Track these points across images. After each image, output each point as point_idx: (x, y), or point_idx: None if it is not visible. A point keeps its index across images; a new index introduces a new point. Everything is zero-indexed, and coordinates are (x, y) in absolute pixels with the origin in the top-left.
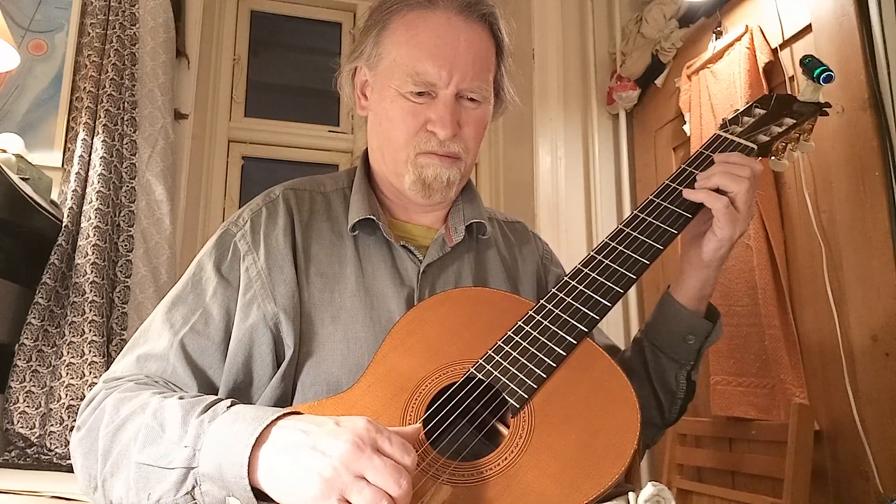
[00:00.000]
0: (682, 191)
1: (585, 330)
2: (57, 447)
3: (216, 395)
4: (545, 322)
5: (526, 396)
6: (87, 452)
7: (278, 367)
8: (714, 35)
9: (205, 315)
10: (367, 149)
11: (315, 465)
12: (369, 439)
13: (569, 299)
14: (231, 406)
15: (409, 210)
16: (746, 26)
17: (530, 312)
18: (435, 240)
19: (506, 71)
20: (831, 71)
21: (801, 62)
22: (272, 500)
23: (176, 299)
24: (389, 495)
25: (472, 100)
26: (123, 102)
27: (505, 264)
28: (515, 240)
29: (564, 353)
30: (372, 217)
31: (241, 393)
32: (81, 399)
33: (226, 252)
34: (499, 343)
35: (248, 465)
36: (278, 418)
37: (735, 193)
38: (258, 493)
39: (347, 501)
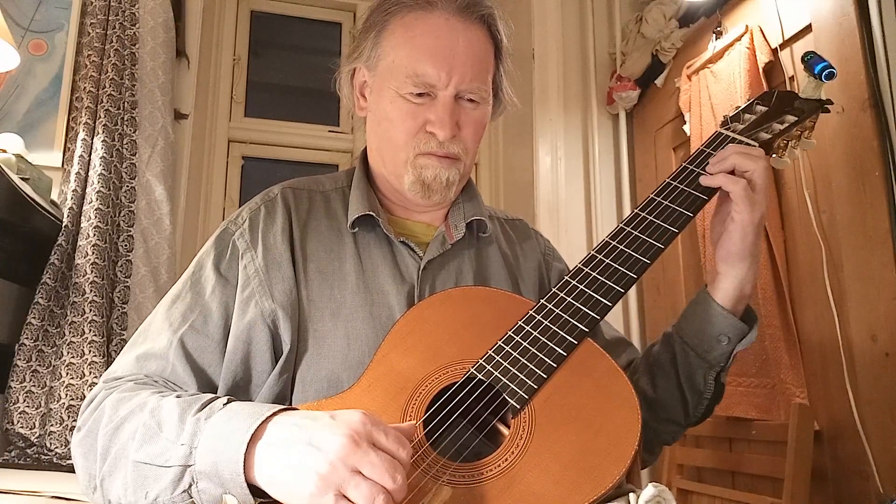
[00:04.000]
0: (682, 189)
1: (586, 330)
2: (57, 447)
3: (215, 393)
4: (546, 322)
5: (526, 397)
6: (87, 453)
7: (277, 364)
8: (714, 35)
9: (203, 313)
10: (365, 149)
11: (311, 461)
12: (365, 433)
13: (569, 298)
14: (227, 403)
15: (408, 209)
16: (746, 26)
17: (531, 312)
18: (435, 237)
19: (504, 71)
20: (833, 67)
21: (803, 59)
22: (269, 497)
23: (175, 298)
24: (386, 489)
25: (470, 101)
26: (123, 102)
27: (506, 261)
28: (516, 237)
29: (565, 354)
30: (371, 213)
31: (241, 390)
32: (81, 399)
33: (224, 250)
34: (499, 343)
35: (245, 462)
36: (274, 414)
37: (752, 171)
38: (255, 490)
39: (344, 496)
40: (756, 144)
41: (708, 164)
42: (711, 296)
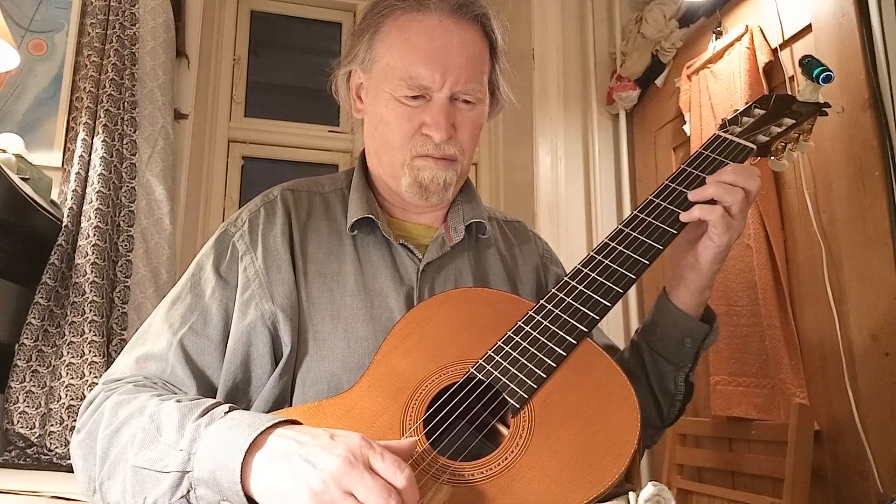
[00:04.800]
0: (681, 192)
1: (585, 330)
2: (57, 447)
3: (215, 395)
4: (545, 322)
5: (526, 396)
6: (87, 455)
7: (277, 366)
8: (714, 35)
9: (203, 315)
10: (364, 150)
11: (306, 477)
12: (361, 456)
13: (569, 299)
14: (229, 412)
15: (407, 210)
16: (746, 26)
17: (530, 313)
18: (434, 239)
19: (500, 70)
20: (830, 71)
21: (801, 62)
22: None
23: (175, 300)
24: None
25: (466, 101)
26: (123, 102)
27: (504, 263)
28: (515, 239)
29: (564, 354)
30: (370, 216)
31: (240, 392)
32: (81, 399)
33: (224, 252)
34: (499, 343)
35: (242, 471)
36: (274, 426)
37: (730, 204)
38: (252, 500)
39: None
40: (754, 147)
41: (704, 166)
42: (672, 302)
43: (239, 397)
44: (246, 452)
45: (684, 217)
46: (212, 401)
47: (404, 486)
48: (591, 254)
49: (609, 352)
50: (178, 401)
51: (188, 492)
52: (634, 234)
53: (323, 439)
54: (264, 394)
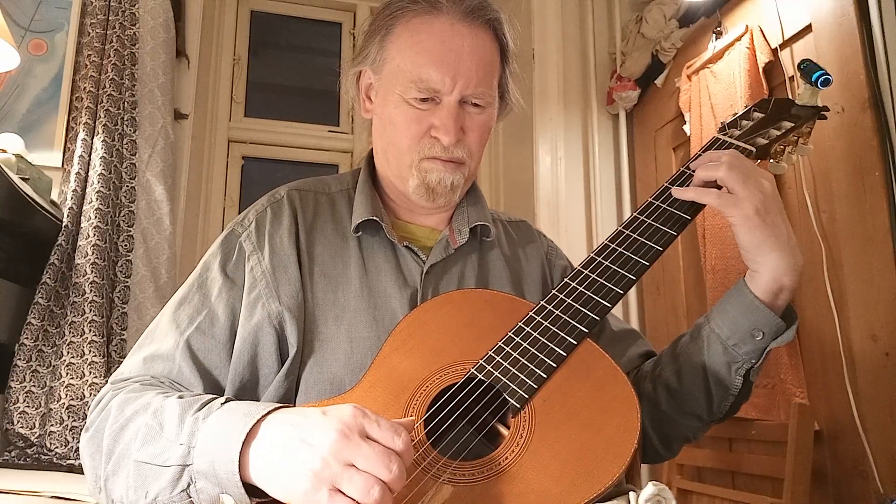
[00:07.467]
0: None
1: (586, 330)
2: (57, 447)
3: (222, 395)
4: (545, 323)
5: (526, 396)
6: (94, 453)
7: (283, 366)
8: (714, 35)
9: (210, 315)
10: (371, 150)
11: (303, 457)
12: (356, 426)
13: (569, 300)
14: (225, 403)
15: (413, 211)
16: (746, 26)
17: (531, 313)
18: (439, 241)
19: (510, 74)
20: (829, 74)
21: (799, 66)
22: (266, 496)
23: (182, 300)
24: (382, 480)
25: (476, 105)
26: (123, 102)
27: (509, 264)
28: (519, 239)
29: (565, 354)
30: (375, 218)
31: (248, 392)
32: (81, 399)
33: (231, 252)
34: (499, 344)
35: (241, 461)
36: (268, 413)
37: (721, 179)
38: (252, 489)
39: (340, 491)
40: (753, 149)
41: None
42: (748, 286)
43: (246, 397)
44: (243, 443)
45: (676, 193)
46: (211, 395)
47: (404, 450)
48: (592, 255)
49: (628, 336)
50: (180, 396)
51: (189, 485)
52: (634, 235)
53: (315, 417)
54: (269, 394)
